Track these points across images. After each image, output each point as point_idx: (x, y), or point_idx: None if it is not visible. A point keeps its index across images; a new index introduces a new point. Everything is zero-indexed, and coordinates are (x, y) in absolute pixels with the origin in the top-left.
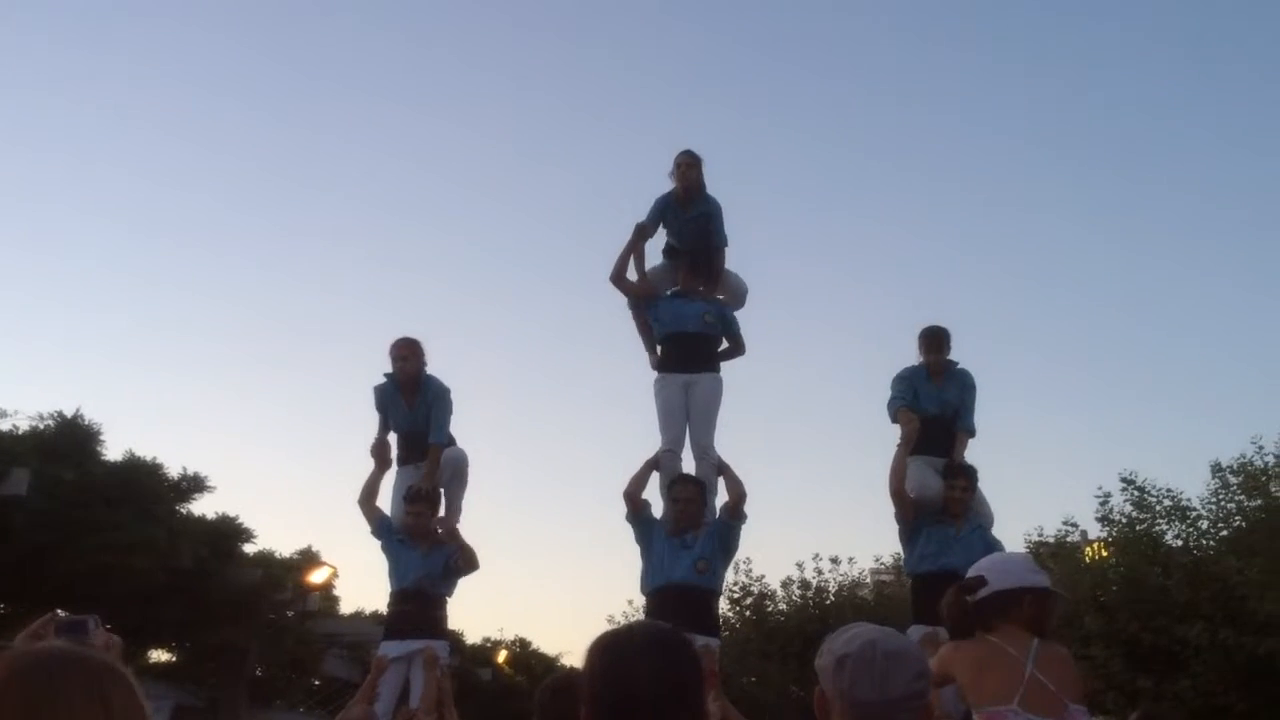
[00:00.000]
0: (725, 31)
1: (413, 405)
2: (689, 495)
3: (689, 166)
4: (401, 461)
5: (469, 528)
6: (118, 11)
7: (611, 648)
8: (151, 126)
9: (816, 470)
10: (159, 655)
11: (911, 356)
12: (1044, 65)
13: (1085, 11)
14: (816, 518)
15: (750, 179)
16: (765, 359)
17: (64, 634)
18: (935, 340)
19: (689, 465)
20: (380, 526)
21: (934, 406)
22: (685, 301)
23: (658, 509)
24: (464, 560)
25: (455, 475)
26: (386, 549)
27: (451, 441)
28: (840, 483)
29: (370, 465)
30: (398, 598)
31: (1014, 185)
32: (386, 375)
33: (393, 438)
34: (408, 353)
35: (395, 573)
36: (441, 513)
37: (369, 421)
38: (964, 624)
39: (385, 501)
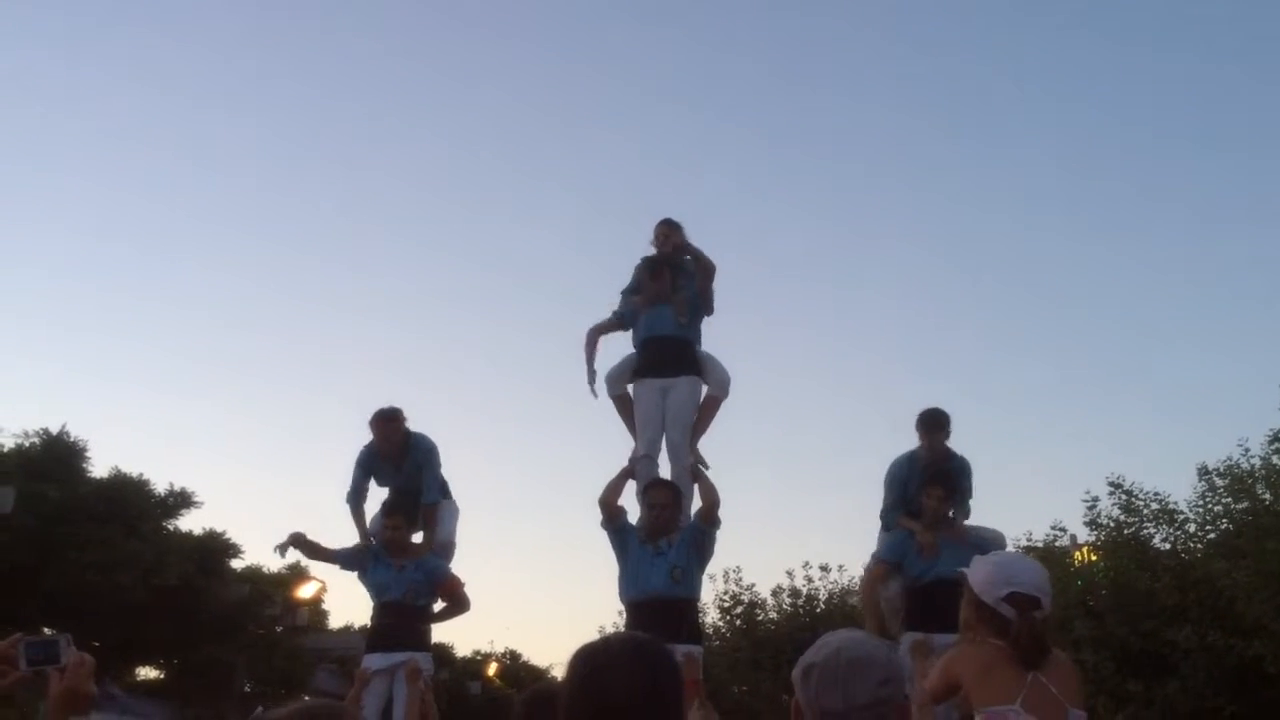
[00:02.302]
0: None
1: (402, 467)
2: (663, 500)
3: (667, 237)
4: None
5: (463, 540)
6: (92, 18)
7: (590, 659)
8: (137, 138)
9: (806, 477)
10: (147, 672)
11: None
12: (1033, 68)
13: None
14: (806, 525)
15: (740, 178)
16: (754, 365)
17: (33, 655)
18: (933, 423)
19: (665, 470)
20: (350, 561)
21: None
22: (660, 305)
23: (633, 516)
24: (454, 603)
25: (440, 553)
26: (363, 576)
27: (446, 492)
28: (830, 490)
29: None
30: (379, 611)
31: (1001, 188)
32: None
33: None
34: (388, 432)
35: (374, 590)
36: (417, 537)
37: (358, 433)
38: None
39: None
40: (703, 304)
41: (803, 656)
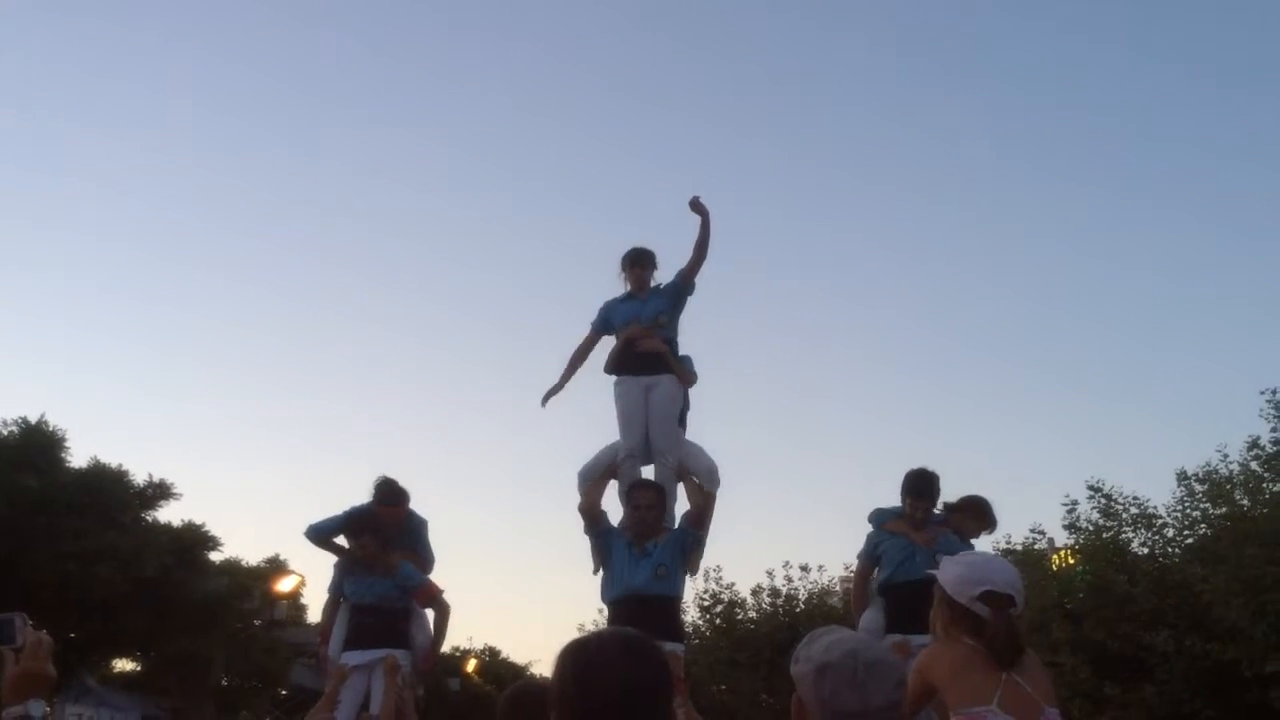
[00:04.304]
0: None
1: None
2: (649, 501)
3: (638, 265)
4: None
5: (440, 538)
6: (93, 16)
7: (581, 654)
8: (115, 132)
9: (786, 478)
10: (123, 665)
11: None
12: (1008, 74)
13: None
14: (786, 525)
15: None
16: (735, 367)
17: None
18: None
19: (648, 472)
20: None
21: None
22: (639, 303)
23: (614, 516)
24: (437, 611)
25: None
26: (342, 588)
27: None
28: (810, 490)
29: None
30: (355, 613)
31: (979, 190)
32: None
33: None
34: (395, 515)
35: (352, 597)
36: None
37: (338, 427)
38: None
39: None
40: (685, 290)
41: (807, 654)
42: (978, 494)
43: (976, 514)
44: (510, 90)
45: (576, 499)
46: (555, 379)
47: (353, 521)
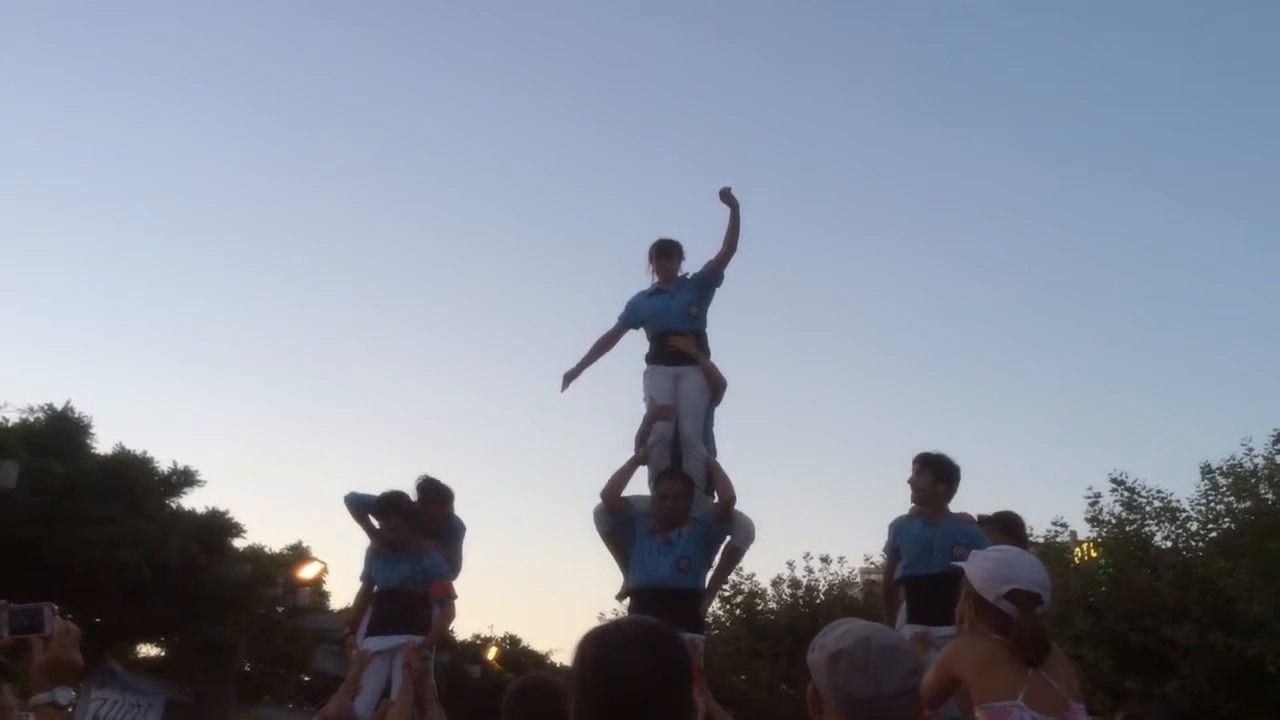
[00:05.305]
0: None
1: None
2: (676, 492)
3: (664, 256)
4: None
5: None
6: (120, 6)
7: (601, 641)
8: (141, 119)
9: (807, 469)
10: (148, 650)
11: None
12: (1035, 70)
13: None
14: (807, 516)
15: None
16: (757, 358)
17: (16, 623)
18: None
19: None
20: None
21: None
22: (667, 297)
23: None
24: (441, 608)
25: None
26: (369, 572)
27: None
28: (832, 482)
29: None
30: (380, 597)
31: (1002, 186)
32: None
33: None
34: (438, 513)
35: (377, 579)
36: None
37: (363, 415)
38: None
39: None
40: (713, 281)
41: (822, 642)
42: (1012, 510)
43: (1005, 528)
44: (550, 90)
45: (600, 496)
46: (574, 364)
47: (384, 502)
